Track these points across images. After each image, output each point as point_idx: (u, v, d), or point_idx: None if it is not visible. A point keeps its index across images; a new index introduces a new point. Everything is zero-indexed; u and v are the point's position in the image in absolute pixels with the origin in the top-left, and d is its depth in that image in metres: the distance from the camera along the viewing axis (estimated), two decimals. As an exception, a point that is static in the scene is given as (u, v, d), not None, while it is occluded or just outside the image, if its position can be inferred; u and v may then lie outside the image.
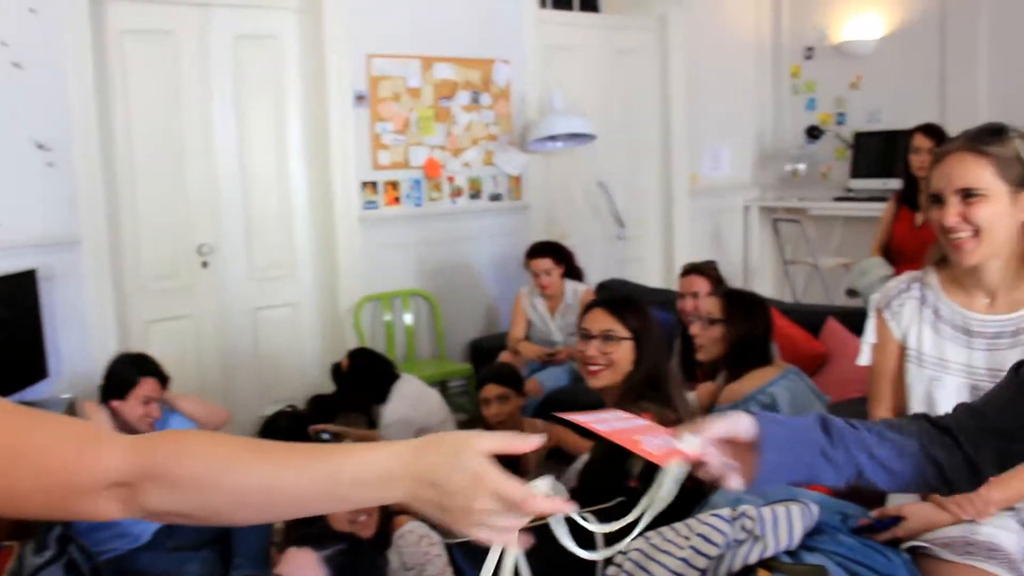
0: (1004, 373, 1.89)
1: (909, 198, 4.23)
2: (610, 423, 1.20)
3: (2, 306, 3.48)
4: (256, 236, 4.57)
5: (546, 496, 0.94)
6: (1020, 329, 1.90)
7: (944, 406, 1.98)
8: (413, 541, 2.32)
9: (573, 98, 5.32)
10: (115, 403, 3.10)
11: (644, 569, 1.85)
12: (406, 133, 4.81)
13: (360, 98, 4.63)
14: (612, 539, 1.23)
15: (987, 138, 1.81)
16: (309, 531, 2.07)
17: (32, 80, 3.75)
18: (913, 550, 1.85)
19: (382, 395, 3.69)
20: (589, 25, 5.77)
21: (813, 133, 6.35)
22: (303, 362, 4.75)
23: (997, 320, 1.92)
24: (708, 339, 2.78)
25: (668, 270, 5.96)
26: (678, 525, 1.92)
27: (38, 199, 3.80)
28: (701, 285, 3.61)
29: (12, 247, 3.71)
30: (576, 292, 4.36)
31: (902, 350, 2.07)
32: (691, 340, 2.98)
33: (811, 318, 3.93)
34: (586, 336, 2.45)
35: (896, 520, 1.87)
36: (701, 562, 1.83)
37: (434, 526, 2.67)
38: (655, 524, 1.20)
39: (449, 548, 2.05)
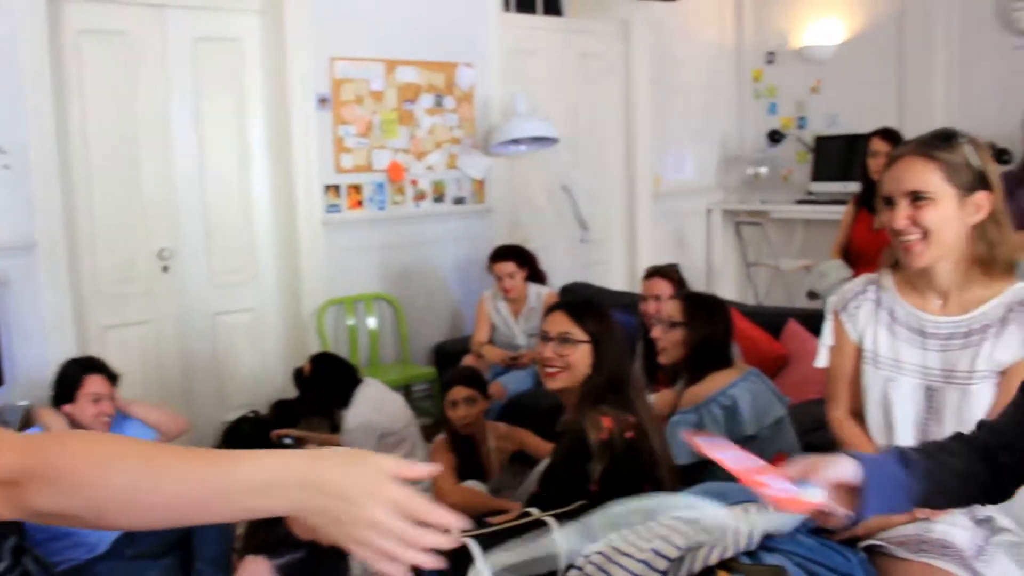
0: (957, 373, 1.93)
1: (868, 201, 4.28)
2: (733, 458, 1.26)
3: (-45, 312, 3.41)
4: (217, 240, 4.52)
5: (448, 515, 0.89)
6: (972, 330, 1.93)
7: (899, 407, 2.01)
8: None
9: (537, 101, 5.33)
10: (67, 408, 3.06)
11: (605, 572, 1.85)
12: (369, 136, 4.79)
13: (323, 101, 4.61)
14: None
15: (937, 143, 1.86)
16: (268, 538, 2.05)
17: (-14, 82, 3.69)
18: (869, 548, 1.87)
19: (345, 400, 3.67)
20: (552, 29, 5.78)
21: (775, 137, 6.42)
22: (265, 367, 4.71)
23: (950, 321, 1.96)
24: (669, 342, 2.79)
25: (632, 273, 5.99)
26: (639, 528, 1.93)
27: (-7, 203, 3.74)
28: (663, 288, 3.63)
29: (-34, 252, 3.64)
30: (540, 295, 4.36)
31: (858, 352, 2.10)
32: (653, 343, 2.99)
33: (772, 320, 3.97)
34: (545, 338, 2.46)
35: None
36: (661, 564, 1.84)
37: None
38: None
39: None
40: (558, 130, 5.13)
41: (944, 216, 1.86)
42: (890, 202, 1.91)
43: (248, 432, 4.04)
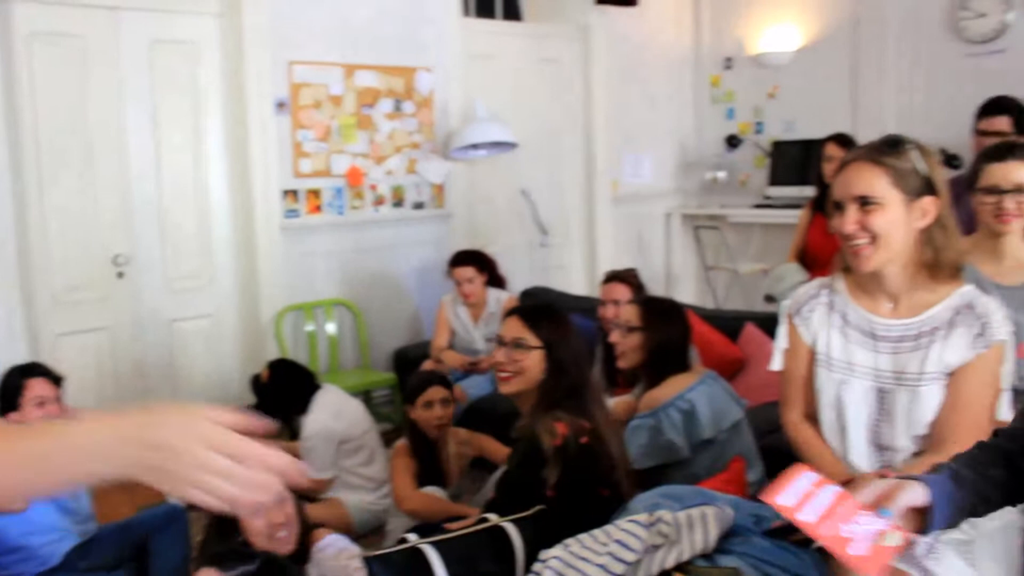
0: (907, 375, 1.97)
1: (823, 205, 4.33)
2: (815, 509, 1.30)
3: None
4: (174, 245, 4.47)
5: (279, 454, 0.89)
6: (922, 333, 1.97)
7: (852, 408, 2.04)
8: (332, 555, 2.29)
9: (496, 106, 5.33)
10: (13, 416, 3.00)
11: (562, 577, 1.86)
12: (328, 141, 4.77)
13: (281, 105, 4.57)
14: (532, 551, 1.25)
15: (885, 149, 1.90)
16: (221, 550, 2.02)
17: (-67, 85, 3.61)
18: (822, 548, 1.89)
19: (303, 406, 3.64)
20: (512, 33, 5.80)
21: (732, 142, 6.49)
22: (222, 374, 4.66)
23: (900, 324, 1.99)
24: (628, 347, 2.81)
25: (591, 277, 6.01)
26: (596, 532, 1.94)
27: (-60, 209, 3.66)
28: (622, 292, 3.65)
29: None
30: (499, 300, 4.37)
31: (812, 355, 2.13)
32: (612, 348, 3.01)
33: (730, 323, 4.00)
34: (499, 343, 2.46)
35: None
36: (619, 568, 1.85)
37: (354, 539, 2.64)
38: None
39: (368, 561, 2.03)
40: (517, 135, 5.14)
41: (891, 220, 1.89)
42: (840, 207, 1.94)
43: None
